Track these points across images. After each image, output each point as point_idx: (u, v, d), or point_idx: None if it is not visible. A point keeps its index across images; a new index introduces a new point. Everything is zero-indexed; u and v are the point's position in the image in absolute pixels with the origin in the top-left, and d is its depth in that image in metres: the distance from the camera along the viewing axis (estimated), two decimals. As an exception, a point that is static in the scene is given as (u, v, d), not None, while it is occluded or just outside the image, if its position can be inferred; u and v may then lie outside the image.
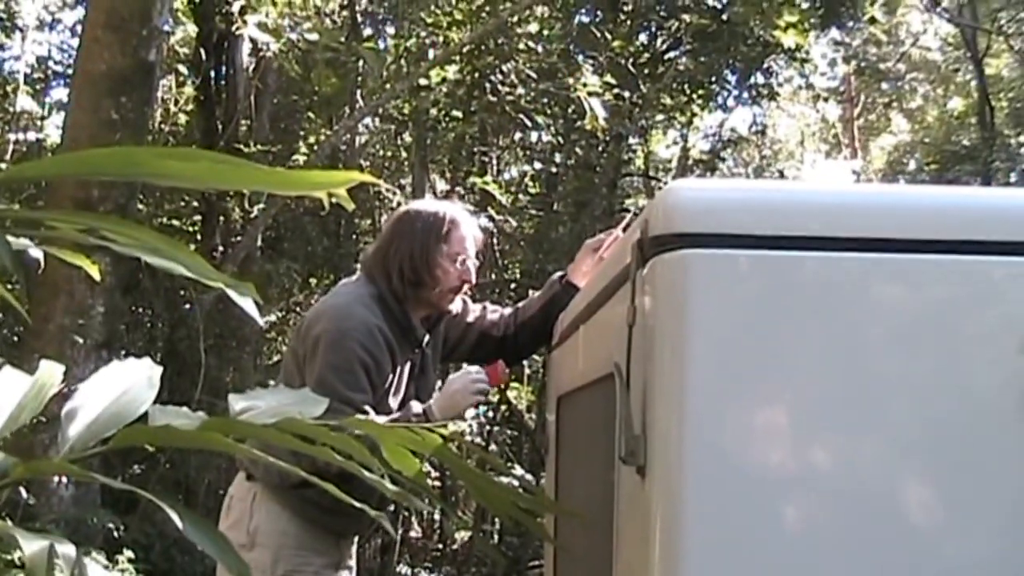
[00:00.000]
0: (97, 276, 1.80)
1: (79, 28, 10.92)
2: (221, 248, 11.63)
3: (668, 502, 2.17)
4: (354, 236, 14.04)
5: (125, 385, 1.68)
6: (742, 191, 2.63)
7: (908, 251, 2.23)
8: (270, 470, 3.58)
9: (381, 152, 14.39)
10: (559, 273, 4.03)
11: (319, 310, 3.80)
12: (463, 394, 3.71)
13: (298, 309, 15.02)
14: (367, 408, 3.46)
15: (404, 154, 13.96)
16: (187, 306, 10.96)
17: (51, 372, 1.71)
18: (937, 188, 4.07)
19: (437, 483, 12.01)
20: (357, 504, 1.63)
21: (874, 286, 2.26)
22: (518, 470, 11.12)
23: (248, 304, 1.41)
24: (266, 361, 13.15)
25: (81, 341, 7.75)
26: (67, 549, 1.37)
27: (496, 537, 13.02)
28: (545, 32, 11.90)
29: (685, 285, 2.18)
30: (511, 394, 12.48)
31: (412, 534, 14.14)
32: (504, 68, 11.30)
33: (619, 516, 2.45)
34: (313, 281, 14.71)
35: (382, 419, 3.43)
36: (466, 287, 3.85)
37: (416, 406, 3.70)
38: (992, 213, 2.38)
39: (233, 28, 11.31)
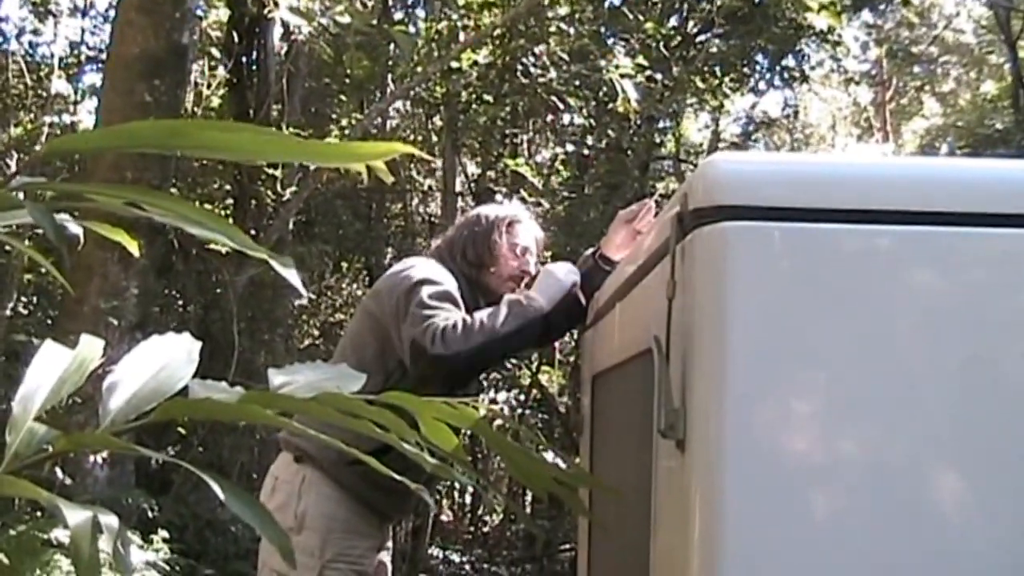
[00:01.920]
0: (136, 251, 1.80)
1: (111, 13, 10.97)
2: (253, 231, 11.65)
3: (708, 475, 2.16)
4: (385, 219, 14.07)
5: (164, 360, 1.68)
6: (783, 164, 2.62)
7: (950, 224, 2.22)
8: (322, 448, 3.58)
9: (412, 136, 14.39)
10: (591, 249, 4.03)
11: (407, 264, 3.88)
12: (563, 271, 3.80)
13: (329, 293, 15.05)
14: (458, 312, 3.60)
15: (435, 137, 13.96)
16: (217, 290, 11.00)
17: (92, 347, 1.71)
18: (979, 160, 4.02)
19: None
20: (412, 485, 1.63)
21: (917, 259, 2.24)
22: (549, 455, 11.13)
23: (292, 274, 1.41)
24: (297, 344, 13.19)
25: (115, 323, 7.78)
26: (110, 520, 1.37)
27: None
28: (577, 14, 11.85)
29: (725, 257, 2.18)
30: (543, 378, 12.49)
31: (443, 517, 14.19)
32: (536, 50, 11.26)
33: (657, 491, 2.44)
34: (344, 265, 14.75)
35: (482, 313, 3.58)
36: (525, 278, 3.95)
37: (510, 295, 3.75)
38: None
39: (265, 11, 11.31)
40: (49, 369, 1.63)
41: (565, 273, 3.79)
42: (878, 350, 2.20)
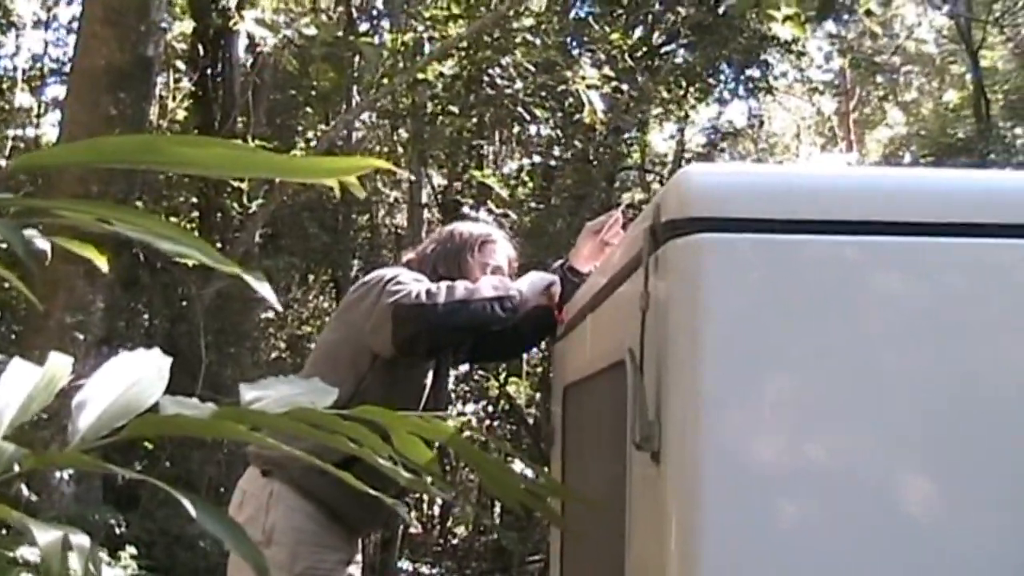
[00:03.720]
0: (105, 266, 1.78)
1: (75, 25, 10.91)
2: (220, 244, 11.60)
3: (684, 486, 2.17)
4: (352, 232, 14.03)
5: (134, 376, 1.65)
6: (756, 175, 2.63)
7: (917, 234, 2.23)
8: (292, 458, 3.54)
9: (378, 147, 14.35)
10: (560, 261, 4.03)
11: (378, 272, 3.86)
12: (541, 279, 3.84)
13: (295, 305, 14.99)
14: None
15: (401, 149, 13.93)
16: (183, 303, 10.94)
17: (61, 364, 1.69)
18: (944, 171, 4.08)
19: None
20: (388, 500, 1.62)
21: (887, 268, 2.26)
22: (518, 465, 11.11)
23: (265, 288, 1.40)
24: (264, 357, 13.13)
25: (81, 337, 7.71)
26: (81, 540, 1.35)
27: (495, 533, 13.03)
28: (543, 26, 11.86)
29: (699, 269, 2.18)
30: (511, 388, 12.48)
31: (412, 530, 14.15)
32: (502, 62, 11.27)
33: (632, 503, 2.44)
34: (311, 278, 14.69)
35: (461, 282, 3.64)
36: None
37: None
38: (999, 196, 2.38)
39: (230, 23, 11.29)
40: (17, 387, 1.61)
41: (543, 278, 3.84)
42: (850, 359, 2.21)
